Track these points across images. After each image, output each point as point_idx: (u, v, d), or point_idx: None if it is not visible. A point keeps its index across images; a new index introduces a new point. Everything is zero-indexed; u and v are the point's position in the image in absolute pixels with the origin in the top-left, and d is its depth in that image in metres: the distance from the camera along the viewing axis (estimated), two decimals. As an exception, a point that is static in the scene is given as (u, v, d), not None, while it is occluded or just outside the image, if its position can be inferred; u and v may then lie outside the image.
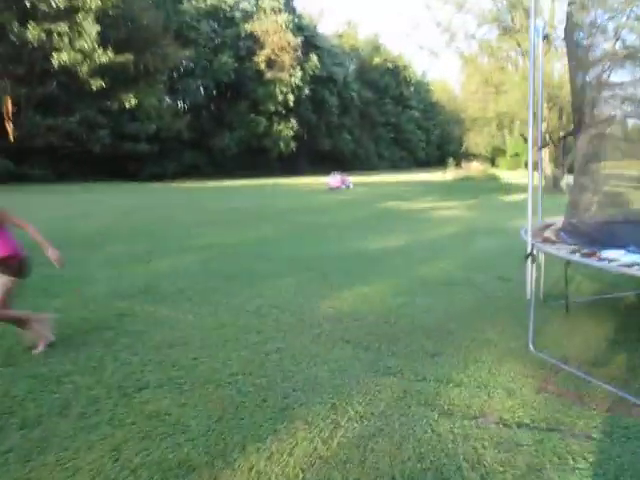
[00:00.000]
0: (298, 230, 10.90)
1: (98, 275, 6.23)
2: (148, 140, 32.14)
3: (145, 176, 32.65)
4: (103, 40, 29.03)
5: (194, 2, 37.67)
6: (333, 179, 26.87)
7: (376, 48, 63.57)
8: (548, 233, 4.52)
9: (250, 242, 9.14)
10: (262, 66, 39.40)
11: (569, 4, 4.76)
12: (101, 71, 29.15)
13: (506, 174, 50.97)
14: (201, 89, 40.67)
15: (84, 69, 28.23)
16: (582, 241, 3.93)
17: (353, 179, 29.10)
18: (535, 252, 3.96)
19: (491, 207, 19.38)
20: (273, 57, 39.46)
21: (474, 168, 52.08)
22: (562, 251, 3.74)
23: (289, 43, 39.77)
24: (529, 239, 3.94)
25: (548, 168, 31.58)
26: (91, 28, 27.75)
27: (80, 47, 27.78)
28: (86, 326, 4.22)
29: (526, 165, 71.77)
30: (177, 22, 37.01)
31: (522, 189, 31.24)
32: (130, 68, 30.56)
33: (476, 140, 68.44)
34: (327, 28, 62.78)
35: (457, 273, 6.58)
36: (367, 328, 4.21)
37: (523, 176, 52.74)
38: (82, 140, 29.78)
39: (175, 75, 36.31)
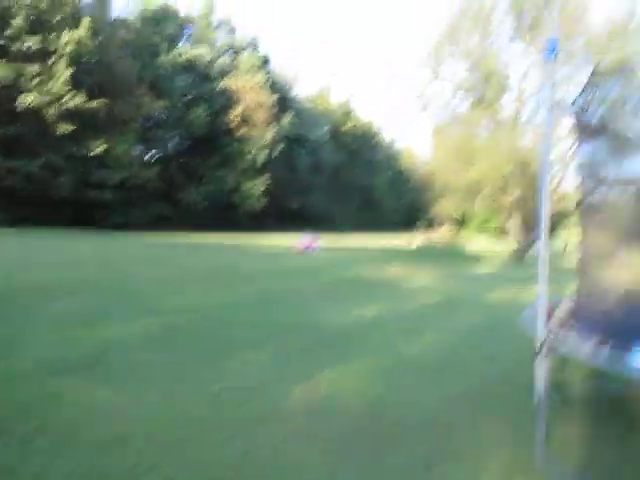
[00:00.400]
0: (267, 296, 9.96)
1: (34, 340, 5.17)
2: (115, 188, 31.13)
3: (110, 225, 31.45)
4: (75, 84, 28.47)
5: (171, 56, 37.73)
6: (300, 242, 26.10)
7: (347, 113, 64.95)
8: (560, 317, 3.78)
9: (216, 306, 8.14)
10: (236, 122, 39.36)
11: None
12: (70, 116, 28.43)
13: (475, 240, 51.33)
14: (173, 141, 40.31)
15: (51, 112, 27.45)
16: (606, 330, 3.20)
17: (320, 240, 28.29)
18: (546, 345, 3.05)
19: (464, 277, 18.90)
20: (247, 114, 39.53)
21: (441, 235, 52.32)
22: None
23: (264, 101, 40.01)
24: (539, 325, 3.05)
25: (514, 238, 31.69)
26: (63, 71, 27.19)
27: (48, 90, 27.11)
28: (3, 413, 3.29)
29: (495, 230, 72.97)
30: (152, 73, 36.93)
31: (485, 260, 31.19)
32: (101, 114, 29.96)
33: (445, 205, 69.50)
34: (301, 91, 64.66)
35: (442, 352, 5.89)
36: (348, 426, 3.39)
37: (491, 243, 53.38)
38: (44, 185, 28.62)
39: (147, 125, 35.80)
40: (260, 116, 39.63)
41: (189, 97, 38.26)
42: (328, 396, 3.96)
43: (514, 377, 4.35)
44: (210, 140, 40.74)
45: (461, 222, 72.73)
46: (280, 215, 51.30)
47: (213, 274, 12.94)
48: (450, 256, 31.02)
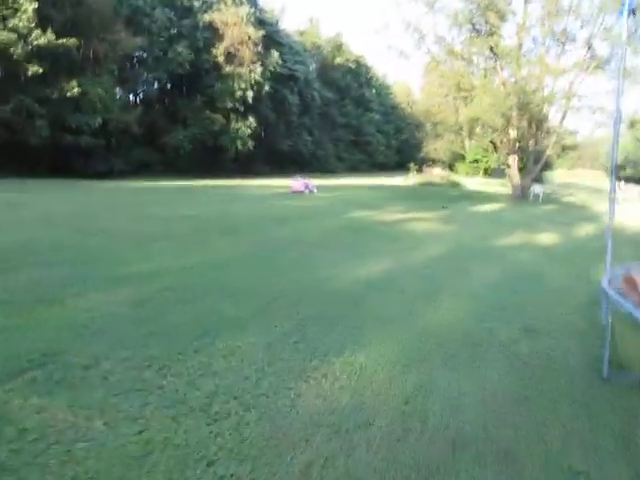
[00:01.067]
0: (261, 250, 8.98)
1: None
2: (93, 134, 29.19)
3: (91, 173, 29.76)
4: (44, 20, 26.06)
5: (148, -13, 34.83)
6: (296, 183, 25.56)
7: (338, 47, 61.94)
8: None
9: (203, 268, 7.13)
10: (220, 59, 36.94)
11: None
12: (40, 55, 26.18)
13: (466, 180, 50.26)
14: (154, 81, 37.95)
15: (18, 51, 25.18)
16: None
17: (314, 182, 27.47)
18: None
19: (467, 219, 17.90)
20: (232, 50, 37.10)
21: (436, 174, 51.11)
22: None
23: (249, 37, 37.50)
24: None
25: (516, 176, 30.59)
26: (27, 6, 24.75)
27: (14, 26, 24.77)
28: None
29: (486, 171, 72.01)
30: (129, 8, 34.24)
31: (489, 198, 30.25)
32: (74, 54, 27.70)
33: (436, 145, 68.16)
34: (289, 25, 61.06)
35: (470, 321, 5.05)
36: (380, 447, 2.57)
37: (484, 183, 52.55)
38: (17, 131, 26.70)
39: (126, 64, 33.34)
40: (246, 53, 37.23)
41: (170, 33, 35.64)
42: (348, 400, 2.90)
43: (562, 359, 3.47)
44: (194, 79, 38.41)
45: (451, 163, 71.59)
46: (270, 158, 49.57)
47: (206, 224, 11.78)
48: (449, 197, 29.87)
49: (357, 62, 64.75)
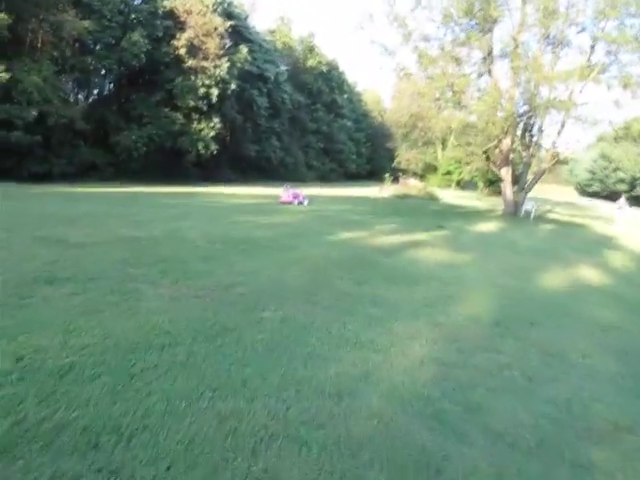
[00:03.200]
0: (207, 318, 5.32)
1: None
2: (27, 129, 24.80)
3: (26, 175, 25.45)
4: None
5: (100, -35, 30.48)
6: (284, 193, 23.54)
7: (310, 49, 58.49)
8: None
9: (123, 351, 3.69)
10: (182, 52, 32.89)
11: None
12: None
13: (441, 193, 47.80)
14: (104, 72, 33.65)
15: None
16: None
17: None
18: None
19: (475, 244, 14.97)
20: (196, 42, 33.16)
21: (412, 185, 48.28)
22: None
23: (216, 28, 33.64)
24: None
25: (509, 191, 27.77)
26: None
27: None
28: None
29: (458, 183, 69.84)
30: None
31: (478, 215, 27.29)
32: (3, 34, 23.40)
33: (409, 156, 65.53)
34: (259, 23, 56.89)
35: None
36: None
37: (459, 196, 50.05)
38: None
39: (70, 51, 28.99)
40: (211, 46, 33.37)
41: (124, 19, 31.46)
42: None
43: None
44: (151, 73, 34.22)
45: (422, 174, 69.10)
46: (234, 163, 45.70)
47: (147, 255, 8.01)
48: (435, 212, 26.97)
49: (329, 65, 61.47)
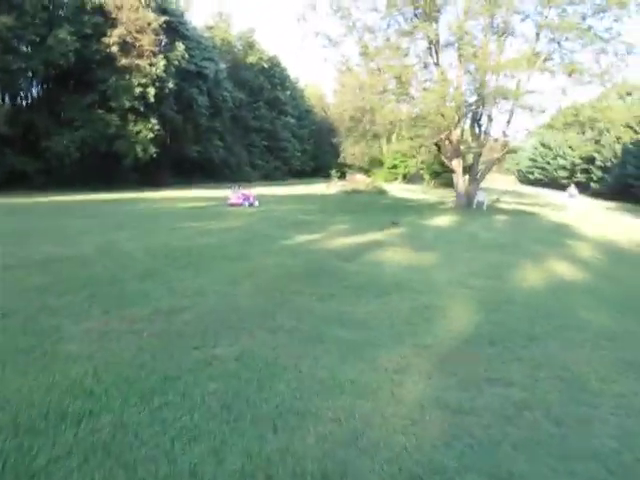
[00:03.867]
0: (164, 344, 4.38)
1: None
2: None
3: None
4: None
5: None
6: (233, 194, 22.69)
7: (250, 44, 57.02)
8: None
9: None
10: (114, 49, 30.96)
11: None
12: None
13: (388, 187, 47.51)
14: (30, 73, 31.25)
15: None
16: None
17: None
18: None
19: (435, 241, 14.29)
20: (129, 39, 31.33)
21: (360, 181, 47.71)
22: None
23: (149, 23, 31.92)
24: None
25: (461, 182, 27.42)
26: None
27: None
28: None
29: (404, 177, 69.93)
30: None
31: (430, 208, 26.83)
32: None
33: (354, 150, 65.21)
34: (196, 20, 54.79)
35: None
36: None
37: (406, 189, 49.86)
38: None
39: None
40: (145, 43, 31.62)
41: (49, 15, 29.28)
42: None
43: None
44: (82, 73, 32.00)
45: (368, 168, 68.76)
46: (176, 166, 43.93)
47: (73, 278, 6.79)
48: (387, 208, 26.34)
49: (271, 62, 60.16)
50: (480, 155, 28.35)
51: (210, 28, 53.84)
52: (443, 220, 20.48)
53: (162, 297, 6.31)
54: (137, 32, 31.42)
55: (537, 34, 23.80)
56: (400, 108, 26.00)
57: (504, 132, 26.83)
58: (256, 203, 22.41)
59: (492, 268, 9.81)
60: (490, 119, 27.26)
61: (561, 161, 69.52)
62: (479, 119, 27.59)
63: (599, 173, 57.01)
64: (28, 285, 6.57)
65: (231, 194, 22.76)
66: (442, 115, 23.21)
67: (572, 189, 27.32)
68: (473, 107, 25.67)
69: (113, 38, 30.65)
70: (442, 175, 61.07)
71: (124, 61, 31.14)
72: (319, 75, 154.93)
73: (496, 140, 27.48)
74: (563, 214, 25.74)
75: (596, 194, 55.07)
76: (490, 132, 28.09)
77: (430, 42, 25.10)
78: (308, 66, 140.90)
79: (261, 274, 8.14)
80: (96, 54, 31.05)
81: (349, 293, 7.11)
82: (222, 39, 53.83)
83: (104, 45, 30.76)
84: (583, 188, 61.95)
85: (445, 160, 27.99)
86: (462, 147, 27.06)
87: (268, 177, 58.81)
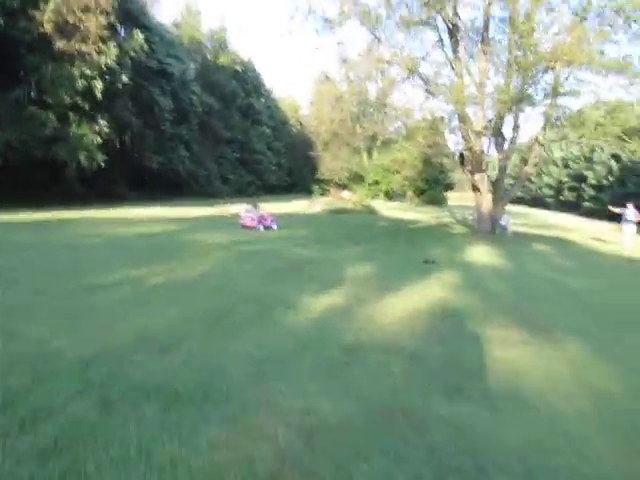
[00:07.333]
0: None
1: None
2: None
3: None
4: None
5: None
6: (246, 215, 19.39)
7: (222, 44, 51.02)
8: None
9: None
10: (48, 29, 24.39)
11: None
12: None
13: (375, 205, 41.81)
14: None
15: None
16: None
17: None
18: None
19: (528, 302, 8.55)
20: (69, 18, 24.97)
21: (347, 198, 42.23)
22: None
23: (97, 2, 25.71)
24: None
25: (485, 203, 21.86)
26: None
27: None
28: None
29: (387, 194, 64.20)
30: None
31: (449, 235, 21.21)
32: None
33: (333, 165, 59.56)
34: (163, 17, 48.68)
35: None
36: None
37: (395, 208, 44.17)
38: None
39: None
40: (91, 24, 25.33)
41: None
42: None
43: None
44: (7, 58, 25.22)
45: (347, 184, 63.40)
46: (134, 178, 37.47)
47: None
48: (390, 232, 20.81)
49: (244, 66, 54.24)
50: (506, 169, 22.89)
51: (178, 25, 47.75)
52: (481, 254, 14.70)
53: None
54: (81, 11, 25.09)
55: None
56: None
57: (537, 139, 21.50)
58: (274, 226, 18.61)
59: None
60: (517, 126, 21.83)
61: (546, 179, 65.31)
62: (501, 126, 22.17)
63: (592, 192, 52.52)
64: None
65: (243, 213, 19.76)
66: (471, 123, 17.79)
67: (630, 211, 20.40)
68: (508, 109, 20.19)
69: (47, 14, 24.14)
70: (426, 192, 56.46)
71: (62, 44, 24.63)
72: (293, 87, 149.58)
73: (530, 149, 22.09)
74: (612, 245, 19.92)
75: (589, 213, 50.69)
76: (516, 141, 22.73)
77: (447, 28, 19.73)
78: (282, 77, 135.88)
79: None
80: (25, 33, 24.38)
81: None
82: (190, 37, 47.74)
83: (36, 23, 24.13)
84: (570, 206, 57.94)
85: (467, 174, 22.38)
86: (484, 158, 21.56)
87: (240, 192, 52.67)
